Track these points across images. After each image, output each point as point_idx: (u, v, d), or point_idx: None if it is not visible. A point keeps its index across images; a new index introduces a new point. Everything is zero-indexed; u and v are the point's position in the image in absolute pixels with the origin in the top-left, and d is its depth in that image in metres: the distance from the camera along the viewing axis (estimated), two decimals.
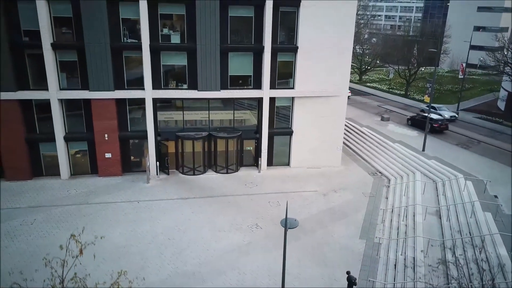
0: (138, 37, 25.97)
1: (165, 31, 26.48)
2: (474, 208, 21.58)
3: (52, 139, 26.54)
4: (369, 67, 67.66)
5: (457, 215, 21.71)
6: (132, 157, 28.97)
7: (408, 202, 24.10)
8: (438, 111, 41.19)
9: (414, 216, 22.23)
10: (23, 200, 24.25)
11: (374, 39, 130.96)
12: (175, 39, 26.72)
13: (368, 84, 64.16)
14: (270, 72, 27.83)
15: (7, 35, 23.99)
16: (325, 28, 27.38)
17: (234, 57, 27.66)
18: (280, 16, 27.25)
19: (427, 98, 31.72)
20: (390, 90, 58.49)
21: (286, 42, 28.10)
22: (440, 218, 22.13)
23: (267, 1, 26.09)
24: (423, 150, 31.37)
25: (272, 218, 23.03)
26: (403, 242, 19.96)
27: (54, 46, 24.97)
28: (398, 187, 26.63)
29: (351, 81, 62.82)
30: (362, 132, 36.96)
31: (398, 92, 56.95)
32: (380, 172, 30.24)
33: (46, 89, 25.50)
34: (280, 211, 23.84)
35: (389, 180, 28.81)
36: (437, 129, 36.46)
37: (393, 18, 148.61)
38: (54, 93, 25.58)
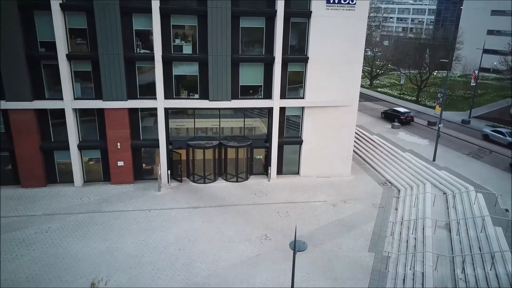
0: (151, 48, 26.38)
1: (177, 41, 26.86)
2: (484, 222, 21.49)
3: (66, 148, 27.10)
4: (380, 71, 67.10)
5: (467, 229, 21.64)
6: (144, 165, 29.39)
7: (417, 215, 24.07)
8: (507, 138, 36.04)
9: (423, 229, 22.21)
10: (38, 208, 24.82)
11: (386, 41, 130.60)
12: (187, 49, 27.08)
13: (379, 89, 63.86)
14: (281, 82, 28.03)
15: (24, 46, 24.56)
16: (336, 40, 27.48)
17: (245, 67, 27.92)
18: (291, 27, 27.44)
19: (438, 109, 31.56)
20: (401, 96, 58.19)
21: (297, 53, 28.26)
22: (450, 232, 22.08)
23: (278, 13, 26.30)
24: (434, 160, 31.24)
25: (281, 229, 23.23)
26: (412, 256, 19.99)
27: (69, 57, 25.50)
28: (408, 199, 26.59)
29: (361, 86, 62.65)
30: (372, 140, 36.92)
31: (409, 98, 56.63)
32: (390, 182, 30.22)
33: (61, 98, 26.07)
34: (289, 221, 24.03)
35: (399, 190, 28.78)
36: (404, 121, 42.00)
37: (405, 21, 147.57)
38: (69, 102, 26.12)
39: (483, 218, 21.82)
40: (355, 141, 35.83)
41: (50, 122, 26.98)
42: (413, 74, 57.30)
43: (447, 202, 25.50)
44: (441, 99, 31.36)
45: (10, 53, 24.38)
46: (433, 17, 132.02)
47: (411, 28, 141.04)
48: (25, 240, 21.41)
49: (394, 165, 32.02)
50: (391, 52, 77.41)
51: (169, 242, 21.62)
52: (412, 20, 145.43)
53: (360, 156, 35.50)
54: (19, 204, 25.19)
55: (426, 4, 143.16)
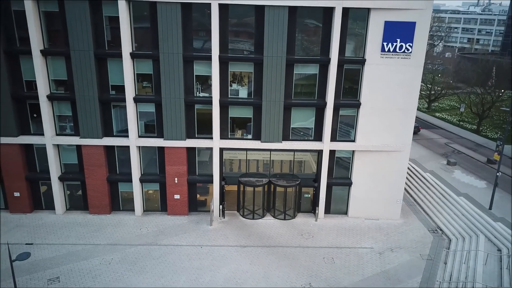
0: (209, 90, 28.07)
1: (234, 86, 28.32)
2: None
3: (129, 180, 29.57)
4: (441, 91, 63.78)
5: None
6: (198, 195, 31.19)
7: (467, 273, 23.54)
8: None
9: None
10: (103, 237, 27.35)
11: (448, 53, 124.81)
12: (243, 93, 28.46)
13: (437, 114, 61.60)
14: (332, 125, 28.56)
15: (98, 91, 27.20)
16: (389, 86, 27.53)
17: (297, 111, 28.78)
18: (344, 73, 27.87)
19: (496, 156, 30.37)
20: (461, 123, 55.78)
21: (349, 96, 28.59)
22: None
23: (332, 61, 26.87)
24: (490, 208, 30.13)
25: (326, 278, 23.79)
26: None
27: (136, 100, 27.84)
28: (459, 254, 25.95)
29: (418, 109, 60.66)
30: (425, 178, 36.15)
31: (469, 126, 54.16)
32: (441, 229, 29.58)
33: (127, 136, 28.51)
34: (334, 270, 24.53)
35: (450, 240, 28.12)
36: None
37: (471, 31, 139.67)
38: (133, 140, 28.50)
39: None
40: (407, 178, 35.37)
41: (116, 157, 29.55)
42: (473, 100, 54.67)
43: (500, 261, 24.64)
44: (500, 146, 30.15)
45: (86, 96, 27.14)
46: (503, 28, 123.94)
47: (478, 39, 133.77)
48: (91, 271, 23.83)
49: (446, 210, 31.27)
50: (454, 68, 74.09)
51: (218, 284, 23.01)
52: (479, 31, 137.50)
53: (411, 196, 34.95)
54: (86, 231, 27.91)
55: (496, 14, 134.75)
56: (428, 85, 64.56)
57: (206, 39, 26.84)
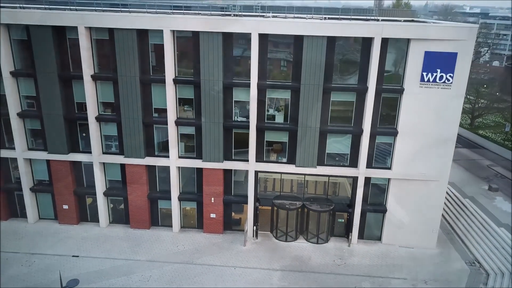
0: (247, 115, 28.87)
1: (271, 111, 28.97)
2: None
3: (168, 198, 30.92)
4: (486, 104, 61.12)
5: None
6: (233, 213, 32.09)
7: None
8: None
9: None
10: (142, 252, 28.80)
11: (496, 61, 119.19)
12: (279, 118, 29.06)
13: (480, 131, 59.29)
14: (368, 151, 28.55)
15: (142, 114, 28.70)
16: (428, 116, 27.22)
17: (333, 137, 29.02)
18: (382, 101, 27.83)
19: None
20: (506, 143, 53.45)
21: (386, 123, 28.48)
22: None
23: (369, 89, 26.93)
24: None
25: None
26: None
27: (177, 123, 29.11)
28: None
29: (460, 126, 58.17)
30: (463, 205, 35.22)
31: None
32: (479, 262, 28.82)
33: (168, 156, 29.85)
34: None
35: (488, 275, 27.37)
36: None
37: None
38: (174, 161, 29.80)
39: None
40: (444, 203, 34.53)
41: (157, 175, 31.00)
42: None
43: None
44: None
45: (131, 118, 28.70)
46: None
47: None
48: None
49: (485, 241, 30.39)
50: (500, 83, 70.86)
51: None
52: None
53: (448, 223, 34.17)
54: (127, 246, 29.47)
55: None
56: (470, 97, 61.40)
57: (246, 66, 27.63)
